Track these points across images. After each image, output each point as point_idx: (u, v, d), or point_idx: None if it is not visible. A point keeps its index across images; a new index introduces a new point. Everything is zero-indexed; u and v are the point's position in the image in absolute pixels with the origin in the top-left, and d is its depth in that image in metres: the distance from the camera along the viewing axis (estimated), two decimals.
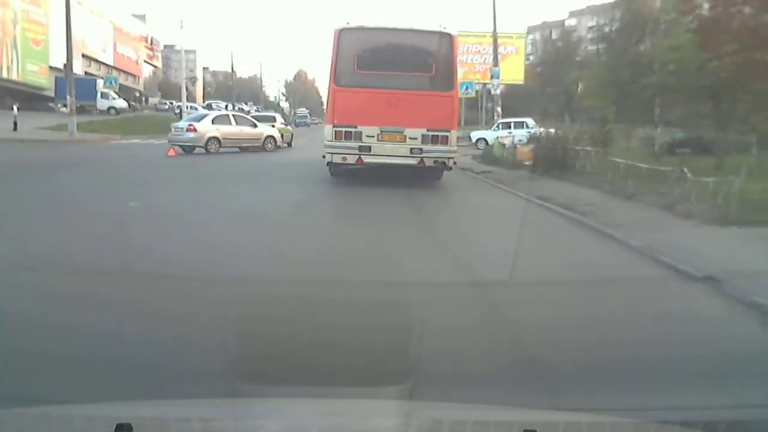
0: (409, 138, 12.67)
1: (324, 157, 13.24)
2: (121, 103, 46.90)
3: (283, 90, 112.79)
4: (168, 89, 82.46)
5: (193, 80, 58.90)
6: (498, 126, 30.37)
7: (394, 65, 12.73)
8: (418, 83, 12.79)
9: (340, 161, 13.00)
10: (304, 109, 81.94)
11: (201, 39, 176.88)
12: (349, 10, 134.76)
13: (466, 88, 37.53)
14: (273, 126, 26.44)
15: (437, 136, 12.69)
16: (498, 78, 32.80)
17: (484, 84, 39.79)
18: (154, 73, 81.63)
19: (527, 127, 28.88)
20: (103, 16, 58.47)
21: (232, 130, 22.89)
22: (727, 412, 3.26)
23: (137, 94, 67.11)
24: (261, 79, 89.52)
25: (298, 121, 65.54)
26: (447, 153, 12.87)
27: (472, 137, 30.97)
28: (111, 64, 60.87)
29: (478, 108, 43.90)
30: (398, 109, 12.47)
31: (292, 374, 3.61)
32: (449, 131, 12.82)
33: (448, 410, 2.49)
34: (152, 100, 64.41)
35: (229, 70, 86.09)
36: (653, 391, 3.54)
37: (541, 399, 3.35)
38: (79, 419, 2.13)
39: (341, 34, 12.84)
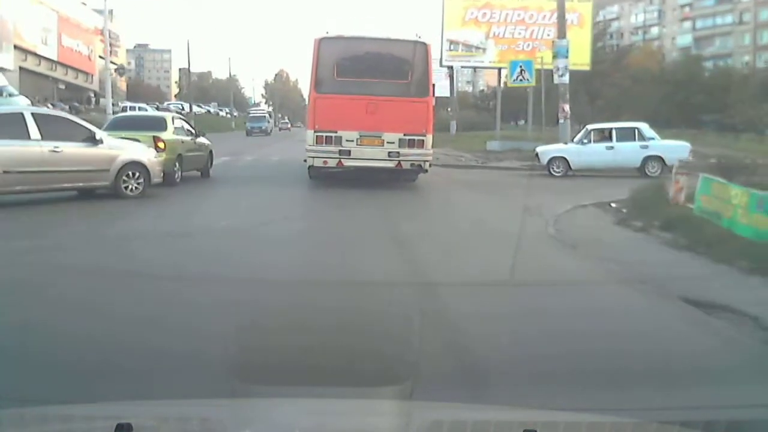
0: (387, 142, 13.29)
1: (305, 161, 13.81)
2: (20, 101, 32.73)
3: (263, 91, 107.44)
4: (140, 90, 76.88)
5: (121, 71, 49.01)
6: (588, 135, 18.40)
7: (372, 73, 13.39)
8: (394, 90, 13.36)
9: (321, 164, 13.59)
10: (262, 109, 65.96)
11: (178, 38, 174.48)
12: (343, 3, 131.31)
13: (521, 71, 24.96)
14: (158, 139, 13.38)
15: (413, 140, 13.32)
16: (566, 56, 21.66)
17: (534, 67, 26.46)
18: (116, 71, 73.82)
19: (642, 137, 18.06)
20: (44, 2, 49.59)
21: (29, 153, 10.48)
22: (727, 412, 3.26)
23: (91, 95, 58.83)
24: (230, 71, 79.52)
25: (250, 126, 46.93)
26: (423, 156, 13.53)
27: (540, 155, 18.68)
28: (54, 58, 51.95)
29: (494, 107, 35.02)
30: (376, 114, 13.09)
31: (291, 374, 3.61)
32: (425, 135, 13.41)
33: (448, 410, 2.48)
34: (105, 101, 53.76)
35: (207, 71, 79.31)
36: (653, 391, 3.54)
37: (540, 399, 3.35)
38: (79, 419, 2.13)
39: (321, 43, 13.46)
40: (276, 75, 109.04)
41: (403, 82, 13.48)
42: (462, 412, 2.46)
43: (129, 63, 79.30)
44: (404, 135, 13.25)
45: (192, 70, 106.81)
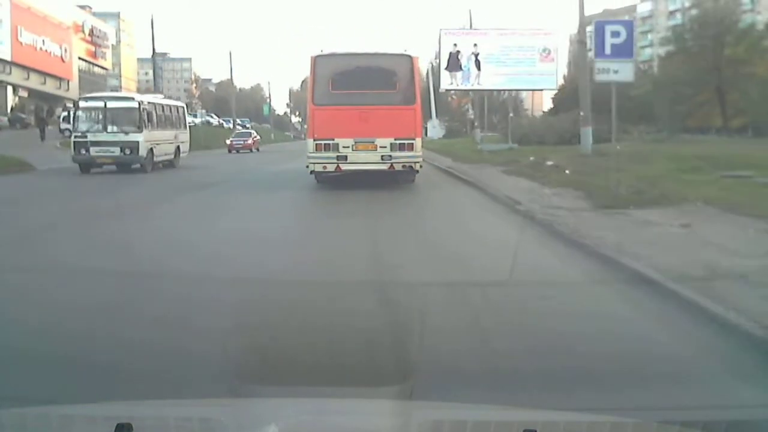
0: (380, 147, 14.32)
1: (307, 167, 14.77)
2: None
3: (288, 100, 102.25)
4: None
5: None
6: None
7: (364, 84, 14.41)
8: (385, 99, 14.38)
9: (321, 170, 14.62)
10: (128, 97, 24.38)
11: (200, 47, 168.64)
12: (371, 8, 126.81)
13: None
14: None
15: (404, 143, 14.35)
16: None
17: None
18: (107, 76, 60.18)
19: None
20: None
21: None
22: (727, 412, 3.26)
23: (70, 104, 45.45)
24: (231, 71, 63.89)
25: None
26: (413, 158, 14.55)
27: None
28: (8, 59, 40.43)
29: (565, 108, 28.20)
30: (369, 122, 14.12)
31: (292, 374, 3.62)
32: (414, 139, 14.48)
33: (448, 410, 2.49)
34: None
35: (227, 79, 63.41)
36: (654, 391, 3.54)
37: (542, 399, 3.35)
38: (79, 419, 2.14)
39: (316, 61, 14.64)
40: (302, 82, 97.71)
41: (392, 92, 14.55)
42: (462, 412, 2.46)
43: (147, 73, 73.33)
44: (395, 140, 14.29)
45: (214, 80, 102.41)
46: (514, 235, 8.34)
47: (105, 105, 20.56)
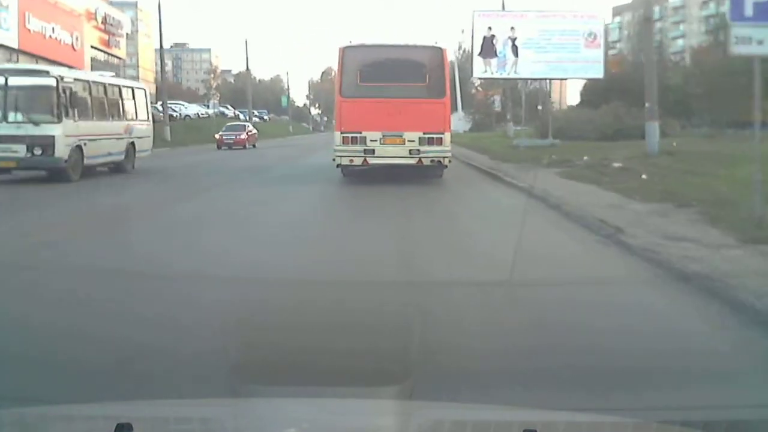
0: (408, 140, 14.16)
1: (334, 160, 14.61)
2: None
3: (307, 92, 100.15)
4: (179, 94, 67.75)
5: None
6: None
7: (393, 77, 14.31)
8: (414, 92, 14.28)
9: (348, 163, 14.55)
10: None
11: (221, 38, 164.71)
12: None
13: None
14: None
15: (432, 138, 14.22)
16: None
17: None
18: (123, 65, 56.37)
19: None
20: None
21: None
22: (727, 412, 3.26)
23: None
24: (247, 60, 57.31)
25: None
26: (442, 153, 14.37)
27: None
28: (15, 46, 37.18)
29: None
30: (397, 115, 13.95)
31: (292, 374, 3.61)
32: (443, 133, 14.33)
33: (448, 410, 2.49)
34: None
35: (247, 71, 59.18)
36: (653, 391, 3.54)
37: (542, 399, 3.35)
38: (79, 419, 2.14)
39: (345, 52, 14.48)
40: (323, 73, 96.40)
41: (422, 85, 14.38)
42: (462, 412, 2.46)
43: (166, 63, 69.18)
44: (424, 134, 14.13)
45: (234, 71, 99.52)
46: (672, 318, 4.93)
47: (6, 82, 14.27)
